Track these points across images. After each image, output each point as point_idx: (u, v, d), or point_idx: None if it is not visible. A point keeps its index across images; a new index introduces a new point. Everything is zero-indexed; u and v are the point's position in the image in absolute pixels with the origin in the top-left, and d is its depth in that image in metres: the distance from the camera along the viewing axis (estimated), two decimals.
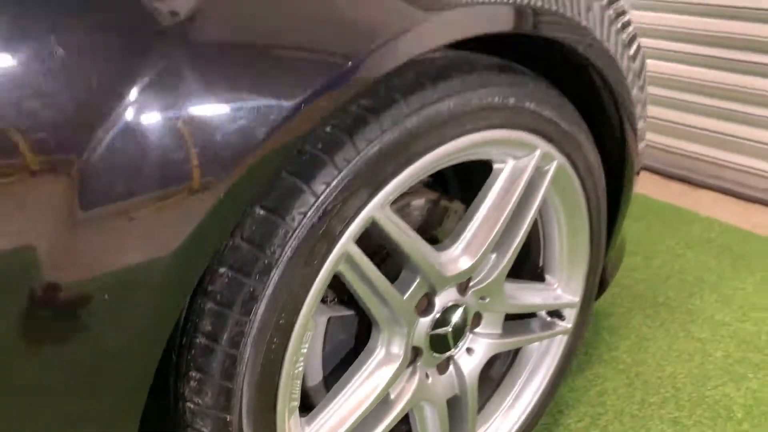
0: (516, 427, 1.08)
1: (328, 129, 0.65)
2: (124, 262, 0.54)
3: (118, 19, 0.51)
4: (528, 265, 1.06)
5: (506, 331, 1.00)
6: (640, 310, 1.60)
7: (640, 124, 1.05)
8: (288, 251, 0.63)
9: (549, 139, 0.85)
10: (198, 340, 0.66)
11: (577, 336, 1.10)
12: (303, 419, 0.79)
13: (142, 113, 0.51)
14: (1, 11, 0.47)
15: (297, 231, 0.63)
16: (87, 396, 0.58)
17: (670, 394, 1.31)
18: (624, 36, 0.94)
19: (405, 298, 0.80)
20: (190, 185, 0.53)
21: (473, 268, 0.86)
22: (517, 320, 1.06)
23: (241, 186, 0.56)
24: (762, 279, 1.72)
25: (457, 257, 0.85)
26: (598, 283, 1.10)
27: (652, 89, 2.43)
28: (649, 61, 2.42)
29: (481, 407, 1.08)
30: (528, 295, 1.01)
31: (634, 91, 1.00)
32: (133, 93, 0.50)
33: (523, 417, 1.08)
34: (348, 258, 0.70)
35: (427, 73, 0.70)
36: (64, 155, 0.49)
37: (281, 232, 0.63)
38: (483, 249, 0.85)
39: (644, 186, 2.39)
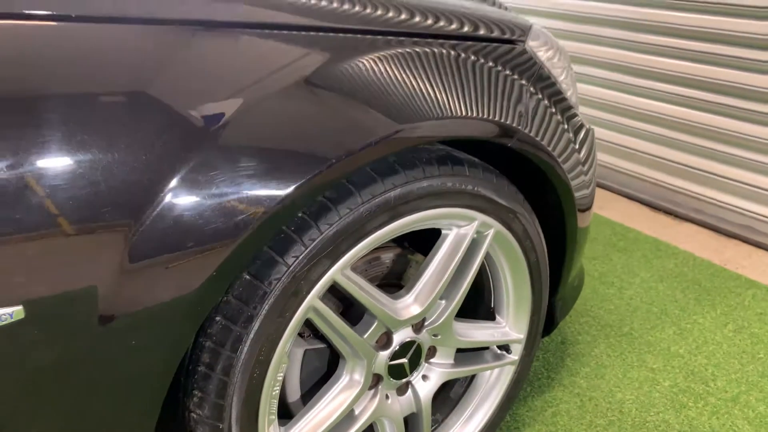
0: None
1: (299, 215, 0.87)
2: (155, 302, 0.75)
3: (163, 128, 0.71)
4: (482, 306, 1.27)
5: (458, 362, 1.21)
6: (605, 338, 1.78)
7: (579, 179, 1.23)
8: (266, 306, 0.85)
9: (486, 212, 1.05)
10: (199, 368, 0.88)
11: (523, 367, 1.30)
12: (282, 428, 1.01)
13: (177, 197, 0.72)
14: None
15: (272, 292, 0.85)
16: (120, 404, 0.79)
17: (616, 417, 1.49)
18: (557, 118, 1.14)
19: (365, 337, 1.01)
20: (207, 249, 0.74)
21: (424, 313, 1.06)
22: (472, 352, 1.26)
23: (235, 256, 0.78)
24: (721, 314, 1.88)
25: (410, 304, 1.06)
26: (543, 323, 1.30)
27: (642, 125, 2.60)
28: (641, 101, 2.58)
29: (440, 423, 1.29)
30: (477, 333, 1.21)
31: (572, 160, 1.19)
32: (173, 182, 0.72)
33: None
34: (314, 310, 0.92)
35: (378, 170, 0.92)
36: (122, 224, 0.70)
37: (261, 292, 0.85)
38: (431, 297, 1.06)
39: (633, 217, 2.56)
